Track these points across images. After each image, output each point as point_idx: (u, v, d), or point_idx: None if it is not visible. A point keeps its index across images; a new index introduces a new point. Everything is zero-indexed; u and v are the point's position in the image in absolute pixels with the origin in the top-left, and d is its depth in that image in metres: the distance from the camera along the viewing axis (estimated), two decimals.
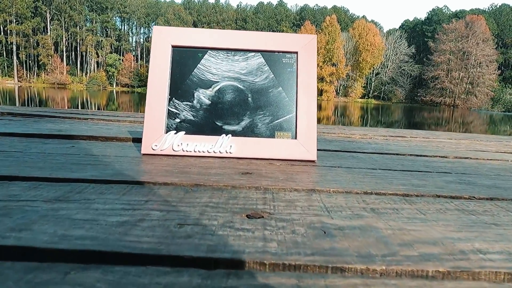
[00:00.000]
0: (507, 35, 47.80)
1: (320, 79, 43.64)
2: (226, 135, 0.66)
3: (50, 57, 44.82)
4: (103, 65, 49.65)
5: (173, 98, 0.68)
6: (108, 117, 1.55)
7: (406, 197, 0.44)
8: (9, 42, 43.16)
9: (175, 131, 0.66)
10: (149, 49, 53.52)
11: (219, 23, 50.21)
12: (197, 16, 50.97)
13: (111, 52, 50.11)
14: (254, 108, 0.68)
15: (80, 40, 48.42)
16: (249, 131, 0.67)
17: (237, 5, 55.14)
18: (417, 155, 0.83)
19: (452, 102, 43.76)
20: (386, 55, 47.39)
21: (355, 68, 45.34)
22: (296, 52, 0.70)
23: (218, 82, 0.69)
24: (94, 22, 49.82)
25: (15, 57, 43.70)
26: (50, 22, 46.27)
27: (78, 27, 47.99)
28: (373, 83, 48.77)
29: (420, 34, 51.48)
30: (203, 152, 0.65)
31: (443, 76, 43.98)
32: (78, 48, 48.84)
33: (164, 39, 0.69)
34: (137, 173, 0.48)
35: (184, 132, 0.66)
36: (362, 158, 0.75)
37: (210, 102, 0.68)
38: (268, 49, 0.70)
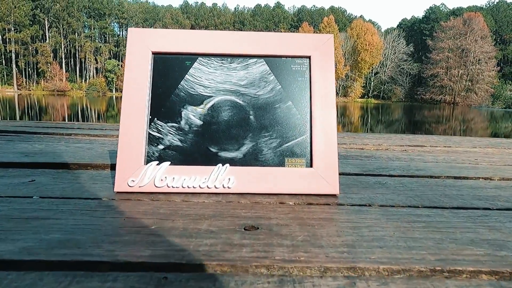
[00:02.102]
0: (505, 31, 47.73)
1: None
2: (223, 165, 0.52)
3: (49, 64, 44.84)
4: (102, 71, 49.63)
5: (155, 119, 0.54)
6: (95, 131, 1.41)
7: (500, 280, 0.28)
8: (8, 50, 43.19)
9: (157, 162, 0.52)
10: None
11: (217, 26, 50.19)
12: (195, 20, 50.97)
13: (110, 58, 50.12)
14: (258, 129, 0.54)
15: (78, 47, 48.44)
16: (252, 159, 0.53)
17: (235, 8, 55.12)
18: (455, 177, 0.69)
19: (452, 99, 43.61)
20: (385, 54, 47.32)
21: (354, 68, 45.25)
22: (309, 57, 0.56)
23: (212, 96, 0.55)
24: (92, 29, 49.86)
25: (14, 65, 43.72)
26: (48, 30, 46.32)
27: (76, 33, 48.03)
28: (372, 83, 48.65)
29: (418, 33, 51.41)
30: (194, 188, 0.51)
31: (442, 74, 43.88)
32: (77, 55, 48.86)
33: (143, 44, 0.55)
34: (91, 241, 0.33)
35: (170, 162, 0.52)
36: (392, 185, 0.60)
37: (202, 123, 0.54)
38: (273, 54, 0.56)
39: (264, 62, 0.56)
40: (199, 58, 0.55)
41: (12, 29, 42.41)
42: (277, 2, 53.77)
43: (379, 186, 0.59)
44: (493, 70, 42.57)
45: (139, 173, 0.51)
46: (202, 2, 54.94)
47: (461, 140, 1.50)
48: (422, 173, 0.71)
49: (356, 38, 44.27)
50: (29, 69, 46.07)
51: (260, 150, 0.53)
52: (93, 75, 49.83)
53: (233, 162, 0.53)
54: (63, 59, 48.09)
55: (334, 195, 0.52)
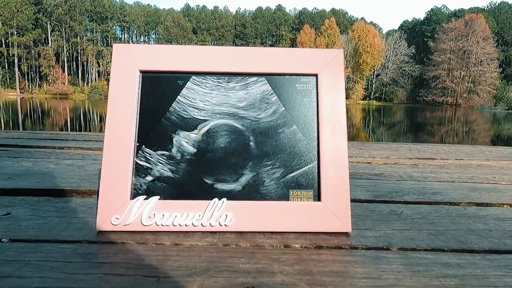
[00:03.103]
0: (507, 32, 47.58)
1: None
2: (220, 199, 0.46)
3: (51, 68, 45.05)
4: (104, 74, 49.80)
5: (143, 146, 0.48)
6: (89, 144, 1.35)
7: None
8: (10, 54, 43.43)
9: (145, 196, 0.46)
10: None
11: (218, 29, 50.31)
12: (196, 23, 51.10)
13: (111, 61, 50.22)
14: (259, 157, 0.48)
15: (81, 50, 48.66)
16: (252, 191, 0.47)
17: (236, 11, 55.25)
18: (477, 204, 0.62)
19: (454, 101, 43.44)
20: (386, 56, 47.24)
21: (356, 70, 45.19)
22: (316, 75, 0.50)
23: (207, 120, 0.49)
24: (94, 32, 50.09)
25: (16, 69, 43.95)
26: (51, 33, 46.57)
27: (78, 37, 48.27)
28: (374, 85, 48.56)
29: (419, 34, 51.33)
30: (187, 226, 0.45)
31: (444, 76, 43.74)
32: (79, 58, 49.07)
33: (129, 62, 0.49)
34: None
35: (159, 196, 0.46)
36: (409, 216, 0.54)
37: (195, 150, 0.48)
38: (276, 72, 0.50)
39: (266, 81, 0.50)
40: (193, 77, 0.49)
41: (15, 32, 42.68)
42: (278, 5, 53.86)
43: (395, 218, 0.53)
44: (495, 72, 42.39)
45: (124, 209, 0.45)
46: (204, 5, 55.13)
47: (472, 151, 1.43)
48: (439, 198, 0.64)
49: (357, 40, 44.25)
50: (32, 73, 46.30)
51: (262, 181, 0.47)
52: (95, 78, 50.01)
53: (230, 195, 0.46)
54: (66, 63, 48.31)
55: (346, 233, 0.46)
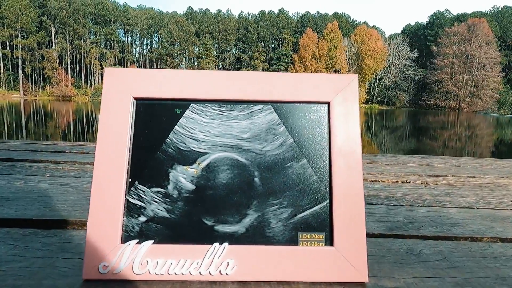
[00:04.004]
0: (510, 36, 47.44)
1: None
2: (221, 243, 0.41)
3: (55, 70, 45.31)
4: None
5: (136, 183, 0.43)
6: (87, 156, 1.31)
7: None
8: (14, 56, 43.74)
9: (137, 240, 0.41)
10: (152, 59, 53.95)
11: (221, 33, 50.48)
12: (199, 26, 51.31)
13: (115, 64, 50.55)
14: (264, 195, 0.43)
15: (84, 53, 48.96)
16: (257, 234, 0.42)
17: (239, 14, 55.43)
18: (502, 239, 0.57)
19: (457, 105, 43.28)
20: (389, 60, 47.21)
21: (358, 73, 45.01)
22: (328, 103, 0.45)
23: (207, 154, 0.44)
24: (98, 35, 50.41)
25: (20, 71, 44.24)
26: (54, 36, 46.90)
27: (82, 40, 48.57)
28: (376, 88, 48.49)
29: (422, 38, 51.28)
30: (184, 275, 0.40)
31: (447, 80, 43.61)
32: (83, 61, 49.35)
33: (122, 88, 0.44)
34: None
35: (153, 240, 0.41)
36: (429, 257, 0.49)
37: (194, 187, 0.43)
38: (283, 99, 0.45)
39: (272, 109, 0.45)
40: (192, 105, 0.45)
41: (19, 35, 43.01)
42: (281, 8, 54.01)
43: (414, 260, 0.48)
44: (498, 76, 42.24)
45: (114, 255, 0.40)
46: (207, 9, 55.38)
47: (483, 166, 1.38)
48: (459, 232, 0.59)
49: (360, 44, 44.26)
50: (35, 75, 46.60)
51: (267, 223, 0.42)
52: (98, 80, 50.24)
53: (233, 239, 0.42)
54: (69, 65, 48.59)
55: (362, 283, 0.41)
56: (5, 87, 44.00)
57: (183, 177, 0.43)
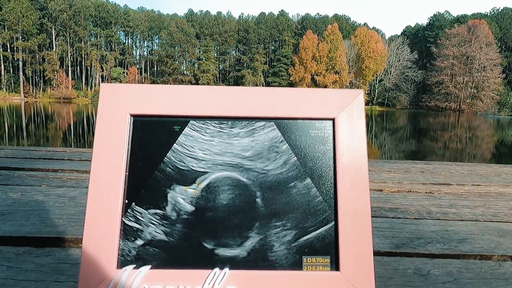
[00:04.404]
0: (510, 38, 47.44)
1: (324, 87, 43.49)
2: (222, 268, 0.39)
3: (55, 72, 45.37)
4: (107, 79, 50.08)
5: (133, 204, 0.41)
6: (86, 164, 1.29)
7: None
8: (15, 58, 43.81)
9: (134, 264, 0.39)
10: (152, 61, 54.03)
11: (221, 35, 50.55)
12: (200, 28, 51.39)
13: (115, 66, 50.62)
14: (267, 216, 0.41)
15: (85, 55, 49.03)
16: (259, 258, 0.40)
17: (239, 16, 55.54)
18: None
19: (458, 106, 43.23)
20: (389, 62, 47.21)
21: (358, 75, 45.17)
22: (333, 119, 0.44)
23: (207, 173, 0.42)
24: (98, 37, 50.50)
25: (21, 73, 44.30)
26: (55, 38, 46.99)
27: (82, 42, 48.66)
28: (376, 90, 48.47)
29: (422, 40, 51.29)
30: None
31: (447, 81, 43.58)
32: (83, 63, 49.41)
33: (119, 104, 0.43)
34: None
35: (151, 265, 0.39)
36: (438, 278, 0.47)
37: (194, 209, 0.41)
38: (286, 115, 0.44)
39: (275, 126, 0.44)
40: (192, 122, 0.43)
41: (20, 37, 43.10)
42: (281, 10, 54.12)
43: (423, 282, 0.46)
44: (498, 77, 42.21)
45: (109, 281, 0.38)
46: (207, 11, 55.51)
47: (487, 173, 1.36)
48: (468, 249, 0.57)
49: (360, 46, 44.29)
50: (36, 77, 46.66)
51: (270, 246, 0.41)
52: (98, 82, 50.27)
53: (234, 263, 0.40)
54: (69, 67, 48.67)
55: None
56: (5, 89, 44.06)
57: (182, 198, 0.41)
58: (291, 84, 45.40)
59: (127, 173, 0.42)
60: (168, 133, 0.43)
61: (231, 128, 0.43)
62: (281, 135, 0.44)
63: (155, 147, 0.43)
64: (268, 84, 48.57)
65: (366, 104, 47.15)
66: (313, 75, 43.52)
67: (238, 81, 49.24)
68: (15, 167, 1.17)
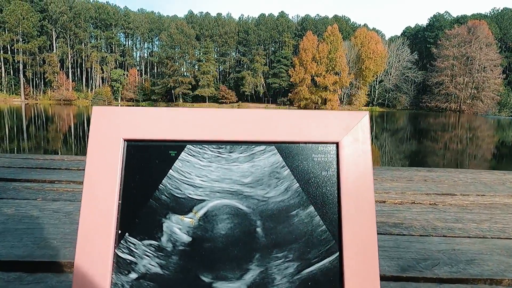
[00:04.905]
0: (510, 38, 47.45)
1: (324, 88, 43.50)
2: None
3: (56, 74, 45.46)
4: (108, 81, 50.17)
5: (126, 234, 0.39)
6: (83, 174, 1.27)
7: None
8: (16, 60, 43.89)
9: None
10: (152, 63, 54.10)
11: (221, 36, 50.61)
12: (200, 29, 51.46)
13: (115, 68, 50.71)
14: (268, 247, 0.39)
15: (85, 57, 49.12)
16: None
17: (239, 18, 55.62)
18: None
19: (458, 107, 43.23)
20: (389, 63, 47.24)
21: (359, 76, 45.20)
22: (336, 143, 0.42)
23: (205, 201, 0.40)
24: (98, 39, 50.60)
25: (21, 75, 44.38)
26: (55, 40, 47.09)
27: (83, 44, 48.76)
28: (377, 91, 48.49)
29: (422, 41, 51.33)
30: None
31: (447, 82, 43.59)
32: (83, 65, 49.51)
33: (111, 129, 0.41)
34: None
35: None
36: None
37: (190, 239, 0.39)
38: (288, 139, 0.41)
39: (276, 151, 0.41)
40: (188, 147, 0.41)
41: (20, 39, 43.20)
42: (281, 11, 54.18)
43: None
44: (498, 78, 42.21)
45: None
46: (207, 12, 55.59)
47: (491, 181, 1.33)
48: (477, 272, 0.55)
49: (360, 47, 44.33)
50: (36, 79, 46.74)
51: (271, 279, 0.38)
52: (99, 84, 50.39)
53: None
54: (70, 69, 48.75)
55: None
56: (6, 91, 44.13)
57: (178, 227, 0.39)
58: (291, 85, 45.43)
59: (120, 202, 0.40)
60: (164, 159, 0.41)
61: (230, 152, 0.41)
62: (283, 159, 0.41)
63: (149, 174, 0.40)
64: (268, 85, 48.56)
65: (366, 105, 47.16)
66: (313, 76, 43.55)
67: (238, 82, 49.27)
68: (11, 178, 1.15)
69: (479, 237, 0.72)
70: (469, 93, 43.07)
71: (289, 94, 46.41)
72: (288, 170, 0.41)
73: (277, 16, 53.05)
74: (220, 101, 48.19)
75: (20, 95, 44.37)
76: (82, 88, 49.42)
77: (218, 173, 0.41)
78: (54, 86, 45.55)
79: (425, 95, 45.98)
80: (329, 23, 48.61)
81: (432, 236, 0.72)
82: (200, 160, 0.41)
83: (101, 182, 0.40)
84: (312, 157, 0.41)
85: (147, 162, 0.41)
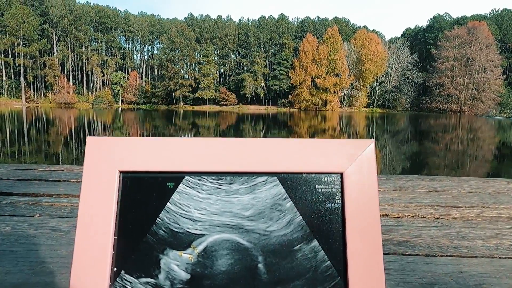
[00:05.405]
0: (510, 39, 47.45)
1: (324, 90, 43.51)
2: None
3: (56, 77, 45.58)
4: (108, 84, 50.28)
5: (122, 272, 0.37)
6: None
7: None
8: (17, 64, 44.03)
9: None
10: (153, 66, 54.22)
11: (221, 38, 50.73)
12: (200, 32, 51.59)
13: (116, 71, 50.82)
14: (270, 284, 0.37)
15: (85, 60, 49.25)
16: None
17: (239, 20, 55.75)
18: None
19: (459, 108, 43.19)
20: (389, 64, 47.26)
21: (359, 77, 45.22)
22: (341, 174, 0.40)
23: (204, 236, 0.38)
24: (99, 42, 50.75)
25: (22, 79, 44.51)
26: (56, 44, 47.24)
27: (83, 47, 48.90)
28: (377, 92, 48.49)
29: (422, 42, 51.36)
30: None
31: (447, 83, 43.57)
32: (84, 68, 49.63)
33: (106, 160, 0.39)
34: None
35: None
36: None
37: (189, 277, 0.37)
38: (290, 170, 0.40)
39: (278, 182, 0.40)
40: (187, 178, 0.39)
41: (21, 43, 43.35)
42: (281, 14, 54.30)
43: None
44: (499, 79, 42.18)
45: None
46: (207, 15, 55.75)
47: (496, 191, 1.31)
48: None
49: (360, 48, 44.38)
50: (37, 82, 46.86)
51: None
52: (99, 87, 50.50)
53: None
54: (71, 72, 48.88)
55: None
56: (7, 95, 44.24)
57: (176, 264, 0.38)
58: (292, 87, 45.46)
59: (115, 237, 0.38)
60: (161, 191, 0.39)
61: (230, 184, 0.40)
62: (285, 191, 0.40)
63: (146, 207, 0.39)
64: (268, 87, 48.59)
65: (367, 106, 47.16)
66: (314, 78, 43.58)
67: (239, 85, 49.32)
68: (9, 192, 1.14)
69: (486, 257, 0.70)
70: (469, 94, 43.04)
71: (290, 96, 46.43)
72: (291, 202, 0.39)
73: (277, 18, 53.18)
74: (220, 103, 48.23)
75: (21, 98, 44.48)
76: (83, 91, 49.52)
77: (217, 206, 0.39)
78: (55, 90, 45.66)
79: (425, 96, 45.96)
80: (329, 25, 48.69)
81: (438, 256, 0.70)
82: (199, 192, 0.39)
83: (96, 216, 0.38)
84: (315, 188, 0.40)
85: (143, 195, 0.39)
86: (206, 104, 48.16)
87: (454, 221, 0.94)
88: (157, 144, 0.40)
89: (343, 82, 43.21)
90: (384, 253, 0.71)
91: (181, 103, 48.27)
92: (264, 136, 12.52)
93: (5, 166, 1.59)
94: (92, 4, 51.30)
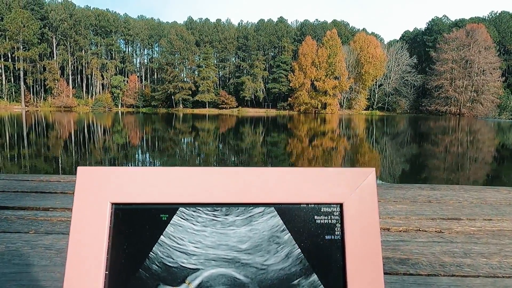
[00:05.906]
0: (508, 41, 47.64)
1: (324, 92, 43.58)
2: None
3: (56, 81, 45.65)
4: (108, 87, 50.34)
5: None
6: None
7: None
8: (16, 68, 44.09)
9: None
10: (152, 69, 54.30)
11: (221, 42, 50.86)
12: (199, 35, 51.73)
13: (115, 74, 50.91)
14: None
15: (85, 64, 49.34)
16: None
17: (238, 23, 55.94)
18: None
19: (458, 110, 43.27)
20: (388, 67, 47.40)
21: (358, 80, 45.32)
22: (341, 204, 0.39)
23: (199, 270, 0.37)
24: (99, 46, 50.88)
25: (22, 83, 44.56)
26: (56, 47, 47.35)
27: (83, 51, 49.01)
28: (376, 95, 48.58)
29: (421, 44, 51.55)
30: None
31: (447, 85, 43.67)
32: (84, 71, 49.71)
33: (97, 191, 0.38)
34: None
35: None
36: None
37: None
38: (288, 201, 0.38)
39: (275, 212, 0.38)
40: (181, 209, 0.38)
41: (21, 47, 43.43)
42: (280, 17, 54.52)
43: None
44: (498, 81, 42.30)
45: None
46: (206, 18, 55.93)
47: (497, 201, 1.30)
48: None
49: (359, 51, 44.52)
50: (37, 86, 46.91)
51: None
52: (99, 91, 50.56)
53: None
54: (70, 76, 48.96)
55: None
56: (7, 98, 44.27)
57: None
58: (291, 90, 45.54)
59: (107, 272, 0.36)
60: (154, 224, 0.38)
61: (226, 215, 0.38)
62: (283, 222, 0.38)
63: (139, 241, 0.37)
64: (268, 90, 48.67)
65: (366, 109, 47.23)
66: (313, 80, 43.67)
67: (238, 88, 49.40)
68: (4, 206, 1.12)
69: (489, 276, 0.68)
70: (468, 96, 43.14)
71: (289, 99, 46.51)
72: (289, 234, 0.38)
73: (276, 21, 53.38)
74: (220, 106, 48.28)
75: (20, 102, 44.50)
76: (83, 94, 49.57)
77: (213, 239, 0.38)
78: (55, 93, 45.71)
79: (424, 98, 46.06)
80: (328, 28, 48.86)
81: (441, 275, 0.68)
82: (194, 224, 0.38)
83: (86, 250, 0.37)
84: (314, 219, 0.38)
85: (136, 228, 0.38)
86: (205, 107, 48.21)
87: (456, 235, 0.92)
88: (150, 175, 0.38)
89: (343, 85, 43.30)
90: (385, 273, 0.70)
91: (181, 106, 48.31)
92: (264, 139, 12.51)
93: (2, 176, 1.57)
94: (91, 8, 51.48)
